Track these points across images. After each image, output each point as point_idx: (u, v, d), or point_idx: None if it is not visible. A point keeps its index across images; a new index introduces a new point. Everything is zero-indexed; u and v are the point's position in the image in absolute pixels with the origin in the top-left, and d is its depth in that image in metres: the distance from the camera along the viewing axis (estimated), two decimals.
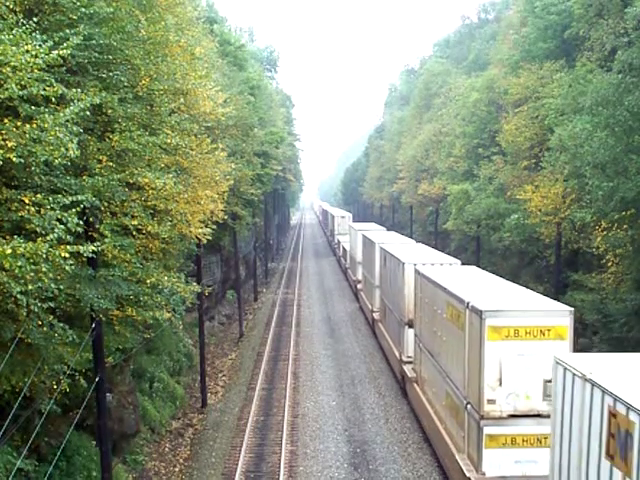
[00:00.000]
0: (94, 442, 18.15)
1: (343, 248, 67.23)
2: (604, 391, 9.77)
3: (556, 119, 33.78)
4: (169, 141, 15.79)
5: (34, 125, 10.66)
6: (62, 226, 10.44)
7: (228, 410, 27.02)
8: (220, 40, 43.12)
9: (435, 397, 21.41)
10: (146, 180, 14.53)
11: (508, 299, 17.55)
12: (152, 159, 15.53)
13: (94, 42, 13.54)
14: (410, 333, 26.09)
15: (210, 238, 21.92)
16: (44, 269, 10.14)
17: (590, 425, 10.15)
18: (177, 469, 21.70)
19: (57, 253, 10.31)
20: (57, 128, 10.67)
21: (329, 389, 29.24)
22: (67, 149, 10.78)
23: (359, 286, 49.33)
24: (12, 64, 10.12)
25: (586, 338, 29.25)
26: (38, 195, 11.12)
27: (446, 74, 75.61)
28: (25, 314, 11.43)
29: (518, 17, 51.04)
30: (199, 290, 20.24)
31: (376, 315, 37.46)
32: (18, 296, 10.09)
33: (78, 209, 11.08)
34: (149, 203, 15.73)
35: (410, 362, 26.23)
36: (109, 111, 14.06)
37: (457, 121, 55.96)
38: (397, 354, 28.58)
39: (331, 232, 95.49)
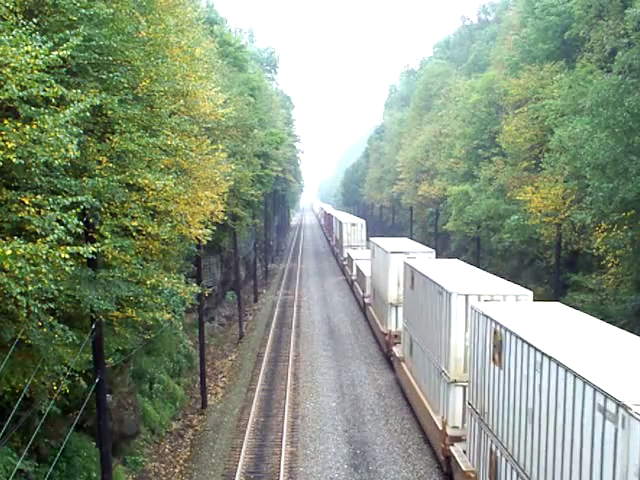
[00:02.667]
0: (94, 443, 18.15)
1: (359, 270, 49.19)
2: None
3: (556, 120, 33.81)
4: (169, 142, 15.81)
5: (34, 126, 10.66)
6: (62, 227, 10.44)
7: (228, 411, 27.01)
8: (220, 41, 43.20)
9: None
10: (146, 181, 14.54)
11: None
12: (152, 160, 15.54)
13: (94, 43, 13.56)
14: None
15: (210, 239, 21.93)
16: (44, 270, 10.14)
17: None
18: (177, 470, 21.70)
19: (57, 254, 10.31)
20: (57, 129, 10.68)
21: (329, 390, 29.24)
22: (67, 150, 10.78)
23: (396, 351, 29.79)
24: (12, 65, 10.13)
25: None
26: (38, 196, 11.13)
27: (446, 75, 75.72)
28: (25, 315, 11.43)
29: (518, 18, 51.10)
30: (199, 291, 20.25)
31: (455, 448, 19.05)
32: (18, 297, 10.09)
33: (78, 210, 11.08)
34: (149, 204, 15.74)
35: None
36: (109, 112, 14.07)
37: (457, 122, 56.00)
38: None
39: (337, 242, 75.35)
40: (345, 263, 62.44)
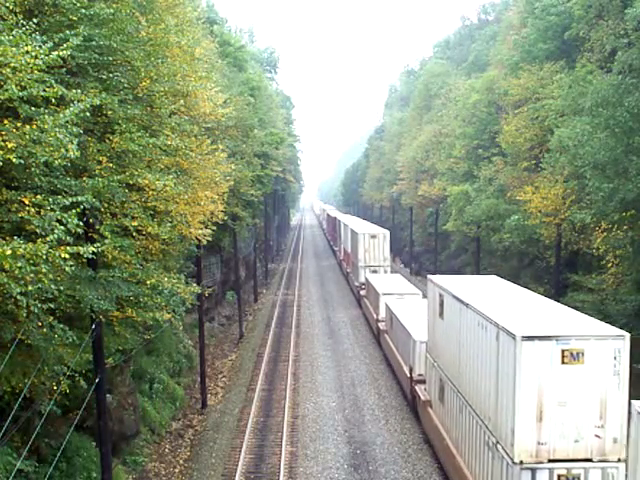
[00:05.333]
0: (94, 443, 18.15)
1: (394, 320, 30.44)
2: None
3: (556, 120, 33.82)
4: (169, 142, 15.82)
5: (34, 126, 10.67)
6: (62, 227, 10.44)
7: (228, 411, 27.01)
8: (220, 41, 43.20)
9: None
10: (146, 181, 14.54)
11: None
12: (152, 160, 15.56)
13: (94, 43, 13.58)
14: None
15: (210, 239, 21.94)
16: (44, 270, 10.14)
17: None
18: (177, 470, 21.69)
19: (57, 254, 10.31)
20: (57, 129, 10.68)
21: (329, 390, 29.23)
22: (67, 150, 10.79)
23: None
24: (12, 65, 10.14)
25: None
26: (38, 196, 11.13)
27: (446, 75, 75.74)
28: (25, 315, 11.43)
29: (518, 18, 51.11)
30: (199, 291, 20.25)
31: None
32: (18, 297, 10.09)
33: (78, 210, 11.08)
34: (149, 204, 15.74)
35: None
36: (109, 112, 14.08)
37: (457, 122, 56.00)
38: None
39: (347, 258, 59.10)
40: (363, 293, 45.26)
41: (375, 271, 47.32)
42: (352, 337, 39.14)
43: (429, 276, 23.15)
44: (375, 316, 37.51)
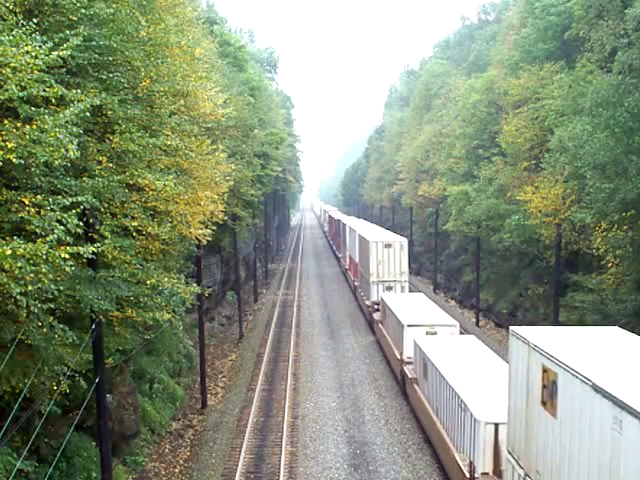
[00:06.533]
0: (94, 443, 18.15)
1: (429, 364, 22.16)
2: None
3: (556, 120, 33.80)
4: (169, 142, 15.83)
5: (34, 126, 10.67)
6: (62, 227, 10.45)
7: (228, 411, 27.01)
8: (220, 41, 43.18)
9: None
10: (146, 181, 14.55)
11: None
12: (152, 160, 15.56)
13: (94, 43, 13.59)
14: None
15: (210, 239, 21.93)
16: (44, 270, 10.15)
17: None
18: (177, 470, 21.69)
19: (57, 254, 10.31)
20: (57, 129, 10.68)
21: (329, 390, 29.23)
22: (67, 150, 10.79)
23: None
24: (12, 65, 10.14)
25: None
26: (38, 196, 11.14)
27: (446, 75, 75.66)
28: (25, 315, 11.44)
29: (518, 18, 51.04)
30: (199, 291, 20.23)
31: None
32: (18, 297, 10.10)
33: (78, 210, 11.09)
34: (149, 204, 15.75)
35: None
36: (109, 112, 14.09)
37: (457, 122, 55.98)
38: None
39: (354, 269, 52.13)
40: (377, 317, 37.14)
41: (390, 287, 40.08)
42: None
43: (513, 329, 13.94)
44: (398, 355, 28.51)
